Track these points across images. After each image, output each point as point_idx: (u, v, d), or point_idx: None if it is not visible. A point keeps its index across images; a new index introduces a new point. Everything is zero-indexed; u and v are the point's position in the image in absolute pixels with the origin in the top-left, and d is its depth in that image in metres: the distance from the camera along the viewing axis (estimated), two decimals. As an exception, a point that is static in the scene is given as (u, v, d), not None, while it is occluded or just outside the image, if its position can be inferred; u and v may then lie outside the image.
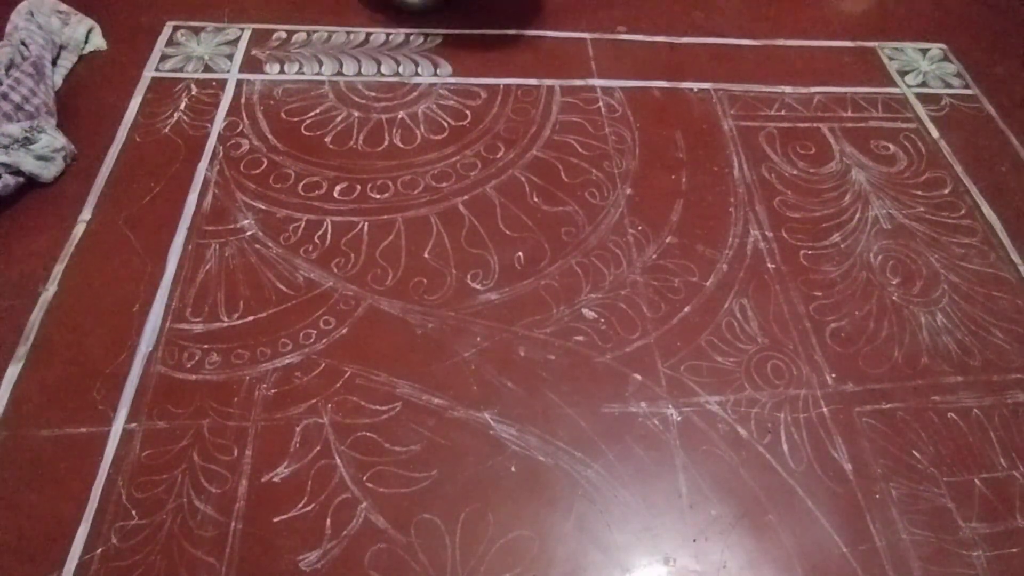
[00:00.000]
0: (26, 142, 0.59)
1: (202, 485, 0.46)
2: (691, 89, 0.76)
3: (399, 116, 0.70)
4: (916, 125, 0.76)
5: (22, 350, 0.51)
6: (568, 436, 0.51)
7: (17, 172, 0.58)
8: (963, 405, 0.55)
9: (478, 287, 0.58)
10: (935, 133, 0.75)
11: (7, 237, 0.57)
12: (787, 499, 0.49)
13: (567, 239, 0.62)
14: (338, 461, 0.48)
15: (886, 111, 0.77)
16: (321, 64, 0.73)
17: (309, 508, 0.46)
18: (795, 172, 0.70)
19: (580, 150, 0.69)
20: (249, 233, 0.59)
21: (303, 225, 0.60)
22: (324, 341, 0.54)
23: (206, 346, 0.53)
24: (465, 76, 0.74)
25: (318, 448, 0.48)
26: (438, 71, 0.75)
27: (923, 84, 0.81)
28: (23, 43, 0.65)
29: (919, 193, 0.70)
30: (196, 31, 0.76)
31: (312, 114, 0.69)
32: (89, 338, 0.52)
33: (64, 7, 0.72)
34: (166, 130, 0.66)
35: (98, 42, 0.73)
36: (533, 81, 0.75)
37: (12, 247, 0.57)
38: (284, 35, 0.76)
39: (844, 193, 0.69)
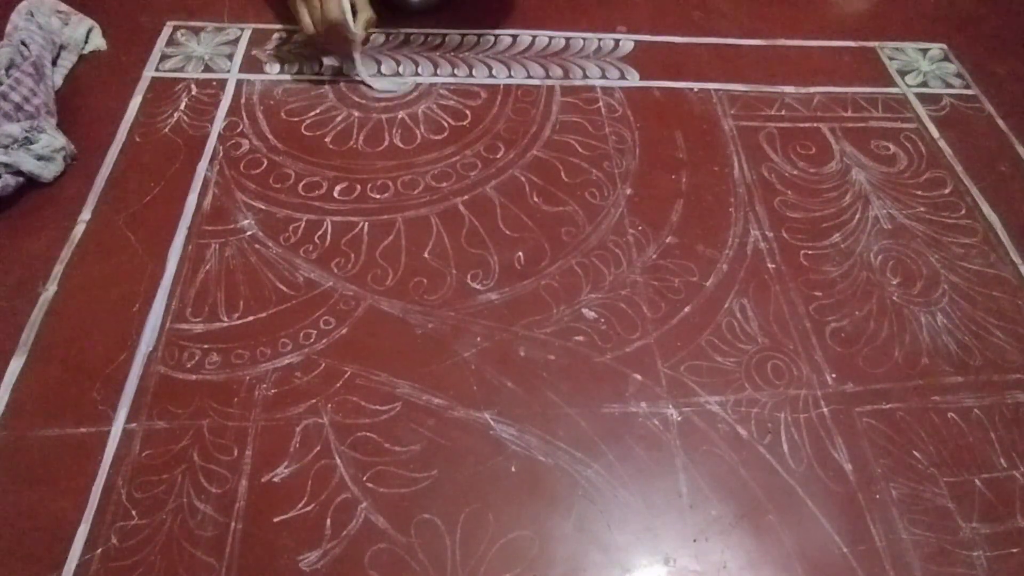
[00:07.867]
0: (26, 142, 0.59)
1: (202, 485, 0.46)
2: (691, 89, 0.76)
3: (399, 116, 0.70)
4: (916, 125, 0.76)
5: (22, 350, 0.51)
6: (568, 436, 0.51)
7: (17, 172, 0.58)
8: (963, 405, 0.55)
9: (478, 287, 0.58)
10: (935, 133, 0.75)
11: (7, 237, 0.57)
12: (787, 499, 0.49)
13: (567, 239, 0.62)
14: (338, 461, 0.48)
15: (886, 111, 0.77)
16: (321, 64, 0.73)
17: (309, 508, 0.46)
18: (795, 172, 0.70)
19: (580, 150, 0.69)
20: (249, 233, 0.59)
21: (303, 225, 0.60)
22: (324, 341, 0.54)
23: (206, 346, 0.53)
24: (465, 76, 0.74)
25: (318, 448, 0.48)
26: (438, 71, 0.75)
27: (923, 84, 0.81)
28: (23, 43, 0.65)
29: (919, 193, 0.70)
30: (196, 31, 0.76)
31: (312, 114, 0.69)
32: (89, 338, 0.52)
33: (64, 7, 0.71)
34: (166, 130, 0.66)
35: (98, 42, 0.73)
36: (534, 81, 0.75)
37: (12, 247, 0.57)
38: (284, 35, 0.76)
39: (844, 193, 0.69)
